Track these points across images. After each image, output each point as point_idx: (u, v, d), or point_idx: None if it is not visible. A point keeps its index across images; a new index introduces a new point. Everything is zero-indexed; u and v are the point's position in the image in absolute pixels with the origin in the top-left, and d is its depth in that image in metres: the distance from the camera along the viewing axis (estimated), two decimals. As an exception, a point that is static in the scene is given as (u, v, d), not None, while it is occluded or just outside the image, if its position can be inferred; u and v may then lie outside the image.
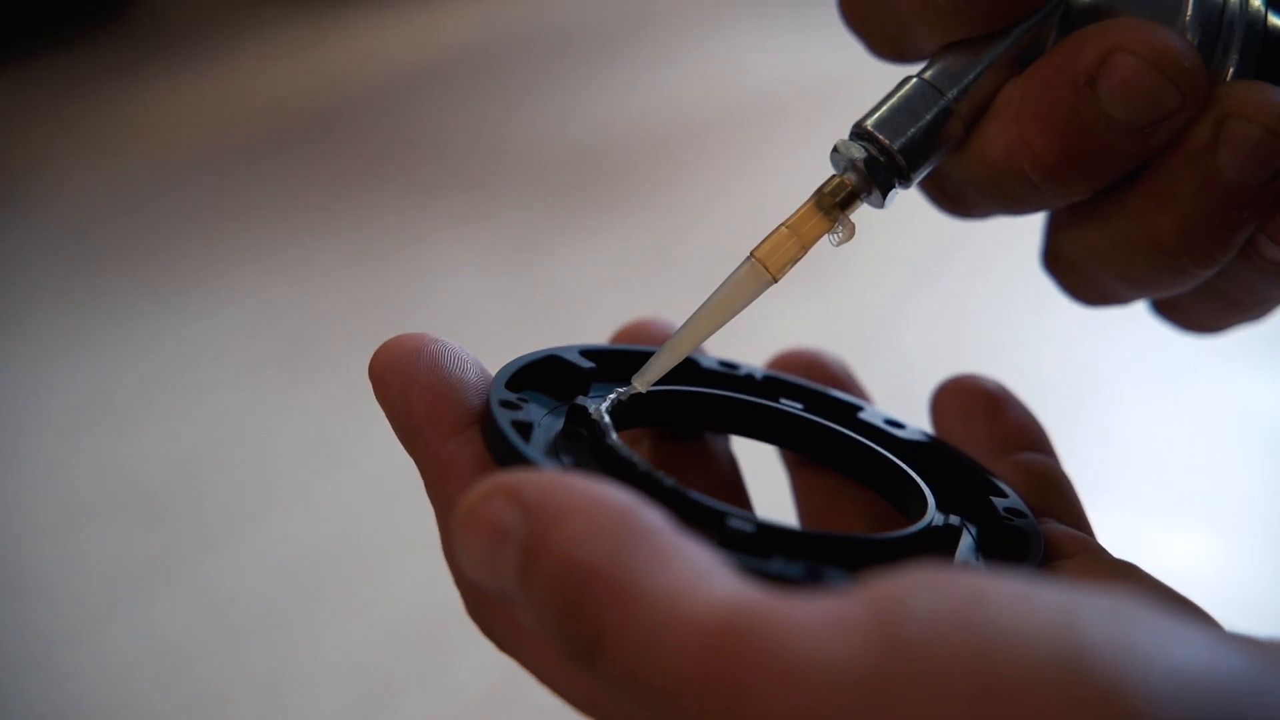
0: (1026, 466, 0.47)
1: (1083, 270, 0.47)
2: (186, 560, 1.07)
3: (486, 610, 0.39)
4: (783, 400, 0.48)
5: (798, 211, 0.45)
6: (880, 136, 0.43)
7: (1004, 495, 0.45)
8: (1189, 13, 0.42)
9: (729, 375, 0.48)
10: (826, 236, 0.45)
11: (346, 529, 1.10)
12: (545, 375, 0.43)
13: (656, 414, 0.46)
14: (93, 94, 1.97)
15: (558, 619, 0.32)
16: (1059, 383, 1.09)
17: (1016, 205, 0.46)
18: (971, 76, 0.44)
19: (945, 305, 1.13)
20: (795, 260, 0.44)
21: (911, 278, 1.28)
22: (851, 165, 0.44)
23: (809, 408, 0.48)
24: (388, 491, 1.12)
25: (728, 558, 0.33)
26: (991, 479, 0.45)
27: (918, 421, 0.49)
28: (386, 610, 1.01)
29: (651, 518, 0.32)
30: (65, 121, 1.89)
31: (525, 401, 0.41)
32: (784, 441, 0.48)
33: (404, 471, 1.14)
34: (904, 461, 0.46)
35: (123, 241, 1.59)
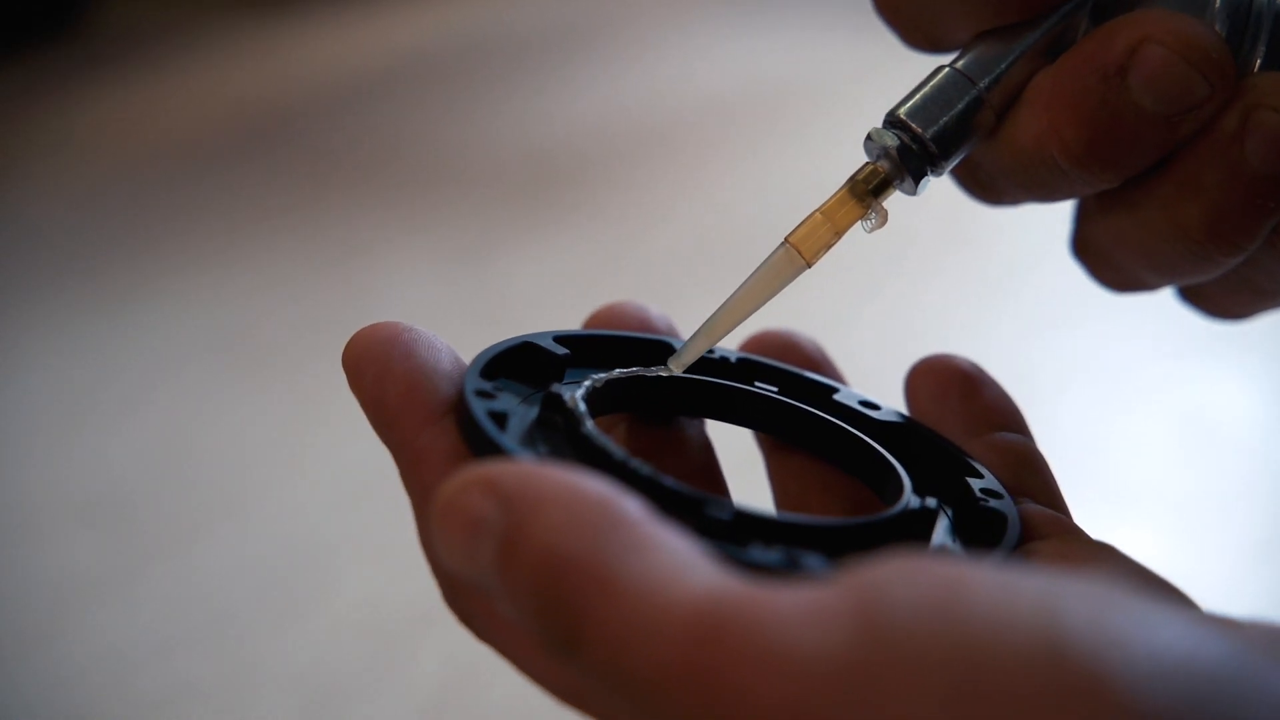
0: (1002, 446, 0.47)
1: (1111, 258, 0.48)
2: (137, 565, 1.07)
3: (464, 600, 0.38)
4: (757, 383, 0.48)
5: (832, 198, 0.46)
6: (913, 125, 0.44)
7: (980, 476, 0.45)
8: (1218, 4, 0.43)
9: (703, 358, 0.48)
10: (860, 223, 0.46)
11: (300, 532, 1.10)
12: (520, 362, 0.43)
13: (631, 399, 0.46)
14: (45, 101, 1.97)
15: (537, 610, 0.32)
16: (1005, 382, 1.10)
17: (1046, 193, 0.46)
18: (1003, 66, 0.45)
19: (894, 306, 1.13)
20: (829, 246, 0.45)
21: (862, 279, 1.29)
22: (884, 153, 0.45)
23: (783, 390, 0.48)
24: (341, 494, 1.13)
25: (706, 546, 0.33)
26: (967, 459, 0.45)
27: (892, 402, 0.49)
28: (340, 612, 1.01)
29: (630, 507, 0.32)
30: (17, 129, 1.88)
31: (500, 390, 0.41)
32: (758, 425, 0.48)
33: (357, 474, 1.14)
34: (879, 443, 0.46)
35: (75, 246, 1.59)
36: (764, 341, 0.52)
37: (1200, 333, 1.27)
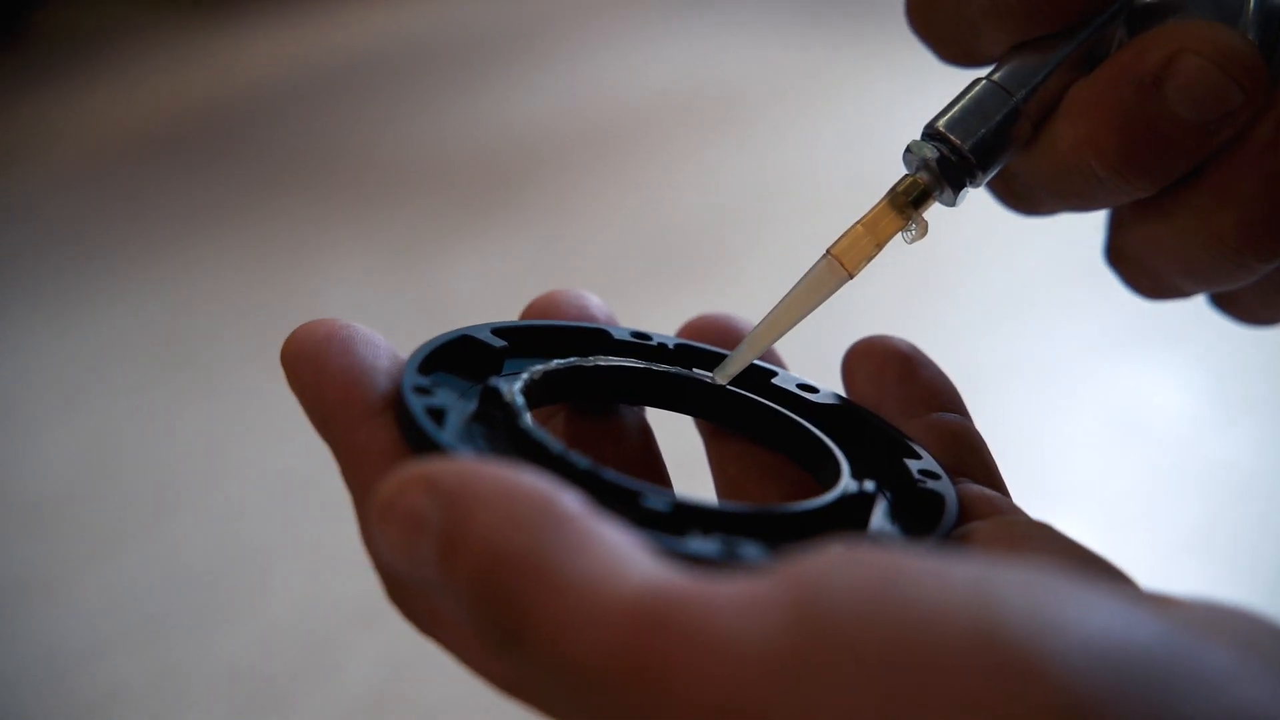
0: (940, 427, 0.48)
1: (1146, 265, 0.49)
2: (70, 570, 1.07)
3: (406, 596, 0.39)
4: (695, 369, 0.48)
5: (872, 210, 0.47)
6: (952, 137, 0.45)
7: (918, 457, 0.45)
8: (1250, 13, 0.44)
9: (641, 346, 0.48)
10: (900, 234, 0.47)
11: (233, 533, 1.10)
12: (458, 356, 0.43)
13: (570, 389, 0.46)
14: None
15: (477, 607, 0.32)
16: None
17: (1083, 202, 0.47)
18: (1039, 78, 0.45)
19: (832, 302, 1.14)
20: (870, 258, 0.46)
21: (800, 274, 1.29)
22: (924, 165, 0.46)
23: None
24: (274, 496, 1.13)
25: (644, 537, 0.33)
26: (905, 440, 0.46)
27: (833, 385, 0.50)
28: (273, 613, 1.01)
29: (568, 502, 0.32)
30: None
31: (438, 385, 0.41)
32: (697, 411, 0.48)
33: (290, 475, 1.14)
34: (818, 426, 0.47)
35: (10, 250, 1.58)
36: (703, 327, 0.52)
37: (1129, 330, 1.29)
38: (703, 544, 0.35)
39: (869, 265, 0.47)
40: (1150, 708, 0.29)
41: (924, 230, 0.47)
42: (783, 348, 0.52)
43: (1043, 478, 1.10)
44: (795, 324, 0.46)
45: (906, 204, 0.46)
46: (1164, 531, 1.05)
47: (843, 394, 0.49)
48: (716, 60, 1.96)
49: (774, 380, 0.49)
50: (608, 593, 0.31)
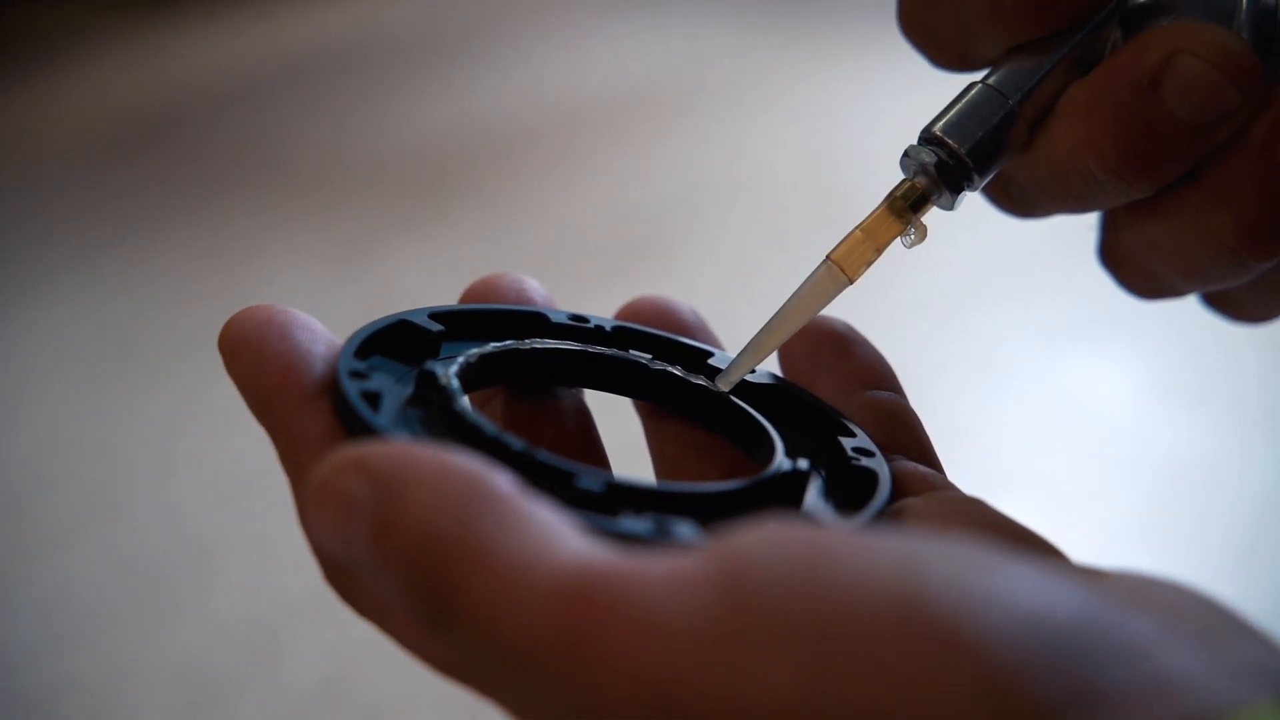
0: (874, 405, 0.48)
1: (1142, 266, 0.49)
2: (16, 565, 1.06)
3: (343, 578, 0.39)
4: (632, 351, 0.49)
5: (871, 215, 0.47)
6: (949, 141, 0.46)
7: (852, 435, 0.45)
8: (1243, 14, 0.44)
9: (578, 328, 0.49)
10: (899, 238, 0.47)
11: (178, 528, 1.10)
12: (394, 340, 0.44)
13: (506, 372, 0.46)
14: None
15: (411, 588, 0.32)
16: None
17: (1080, 204, 0.47)
18: (1035, 80, 0.46)
19: (765, 298, 1.15)
20: (870, 262, 0.47)
21: (742, 268, 1.31)
22: (922, 169, 0.46)
23: (658, 357, 0.49)
24: (220, 491, 1.13)
25: (577, 517, 0.34)
26: (840, 419, 0.46)
27: (768, 365, 0.50)
28: (220, 607, 1.01)
29: (500, 483, 0.33)
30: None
31: (374, 369, 0.41)
32: (634, 392, 0.48)
33: (235, 470, 1.15)
34: (754, 406, 0.47)
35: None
36: (641, 309, 0.52)
37: (1068, 319, 1.31)
38: (635, 523, 0.36)
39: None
40: (1073, 676, 0.29)
41: (923, 234, 0.47)
42: (720, 329, 0.53)
43: (987, 466, 1.10)
44: (796, 329, 0.47)
45: (905, 208, 0.46)
46: (1108, 517, 1.06)
47: (779, 374, 0.50)
48: (660, 56, 1.96)
49: (710, 360, 0.49)
50: (538, 571, 0.31)
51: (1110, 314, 1.27)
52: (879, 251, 0.47)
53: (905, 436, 0.47)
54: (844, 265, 0.46)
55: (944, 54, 0.48)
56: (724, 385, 0.47)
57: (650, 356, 0.48)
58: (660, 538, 0.35)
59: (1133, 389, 1.23)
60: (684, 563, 0.31)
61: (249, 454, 1.13)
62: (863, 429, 0.46)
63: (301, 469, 0.39)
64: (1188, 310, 0.56)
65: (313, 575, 0.40)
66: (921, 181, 0.46)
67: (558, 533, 0.32)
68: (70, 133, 1.85)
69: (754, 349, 0.47)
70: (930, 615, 0.30)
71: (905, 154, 0.47)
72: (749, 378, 0.48)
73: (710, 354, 0.49)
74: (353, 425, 0.38)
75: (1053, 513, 1.05)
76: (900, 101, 1.56)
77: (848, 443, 0.45)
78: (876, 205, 0.47)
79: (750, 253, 1.32)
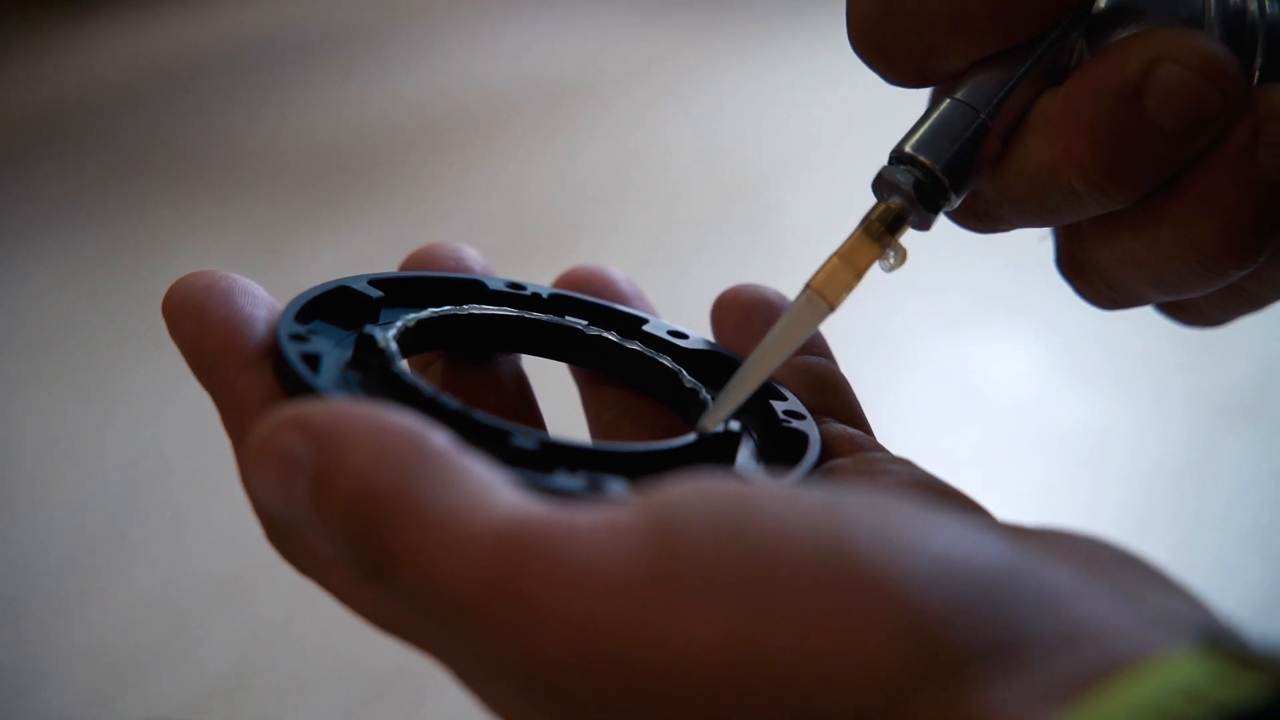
0: (804, 369, 0.49)
1: (1109, 277, 0.47)
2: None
3: (284, 537, 0.40)
4: (568, 317, 0.49)
5: (847, 241, 0.45)
6: (922, 159, 0.44)
7: (783, 398, 0.46)
8: (1212, 14, 0.43)
9: (516, 295, 0.49)
10: (878, 263, 0.45)
11: (94, 515, 1.11)
12: (335, 305, 0.44)
13: (445, 337, 0.47)
14: None
15: (350, 543, 0.33)
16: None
17: (1054, 217, 0.46)
18: (1004, 93, 0.44)
19: (685, 289, 1.17)
20: (851, 288, 0.45)
21: (661, 257, 1.32)
22: (896, 190, 0.45)
23: (594, 323, 0.49)
24: (136, 476, 1.13)
25: (512, 474, 0.34)
26: (771, 382, 0.47)
27: (701, 331, 0.51)
28: (134, 592, 1.02)
29: (436, 439, 0.34)
30: None
31: (314, 333, 0.42)
32: (571, 358, 0.49)
33: (152, 455, 1.15)
34: (687, 369, 0.48)
35: None
36: (577, 277, 0.53)
37: (967, 303, 1.33)
38: (569, 480, 0.37)
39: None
40: (993, 624, 0.30)
41: (903, 257, 0.46)
42: (656, 299, 0.53)
43: (895, 445, 1.12)
44: (781, 361, 0.45)
45: (882, 231, 0.45)
46: (1009, 495, 1.07)
47: (712, 340, 0.51)
48: (553, 53, 1.97)
49: (645, 327, 0.50)
50: (473, 523, 0.32)
51: (1008, 298, 1.31)
52: (859, 276, 0.45)
53: (835, 400, 0.48)
54: (825, 293, 0.45)
55: (901, 69, 0.46)
56: (710, 425, 0.44)
57: (586, 322, 0.49)
58: (593, 493, 0.36)
59: (1032, 369, 1.26)
60: (616, 514, 0.32)
61: (164, 438, 1.14)
62: (793, 392, 0.47)
63: (244, 431, 0.40)
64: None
65: (227, 558, 0.40)
66: (896, 202, 0.45)
67: (493, 487, 0.33)
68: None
69: (739, 384, 0.45)
70: (854, 563, 0.31)
71: (878, 176, 0.45)
72: (682, 343, 0.49)
73: (645, 320, 0.50)
74: (293, 386, 0.39)
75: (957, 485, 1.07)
76: (804, 91, 1.59)
77: (779, 405, 0.46)
78: (852, 230, 0.45)
79: (657, 239, 1.34)
